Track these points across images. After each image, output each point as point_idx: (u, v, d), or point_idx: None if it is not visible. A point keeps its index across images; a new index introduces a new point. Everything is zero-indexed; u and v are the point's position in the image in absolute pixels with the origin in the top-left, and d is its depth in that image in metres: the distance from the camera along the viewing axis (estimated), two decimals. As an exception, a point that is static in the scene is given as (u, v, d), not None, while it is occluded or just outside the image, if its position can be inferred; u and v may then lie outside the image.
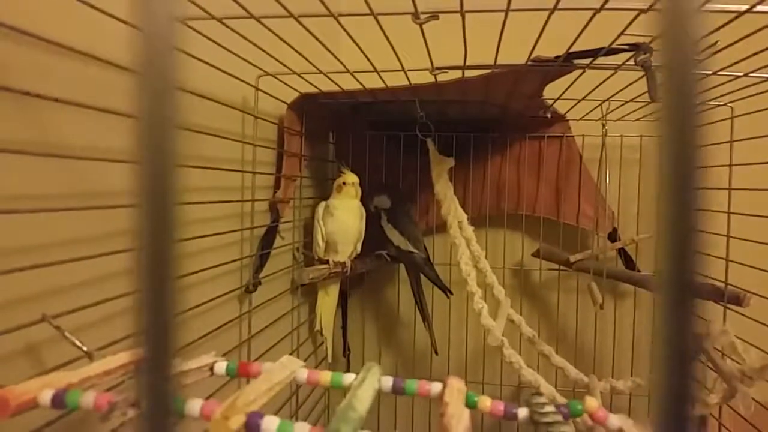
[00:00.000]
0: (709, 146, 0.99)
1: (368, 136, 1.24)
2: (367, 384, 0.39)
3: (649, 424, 0.21)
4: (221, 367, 0.42)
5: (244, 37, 0.67)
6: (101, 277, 0.57)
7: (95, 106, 0.52)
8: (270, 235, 0.93)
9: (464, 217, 1.04)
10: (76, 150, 0.53)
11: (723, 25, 0.59)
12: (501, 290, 1.05)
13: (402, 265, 1.24)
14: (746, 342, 0.85)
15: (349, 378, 0.41)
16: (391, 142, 1.24)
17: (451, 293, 1.11)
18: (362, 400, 0.35)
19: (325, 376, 0.41)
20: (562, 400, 0.99)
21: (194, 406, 0.33)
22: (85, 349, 0.45)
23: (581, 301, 1.24)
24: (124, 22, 0.53)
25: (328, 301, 1.11)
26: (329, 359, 1.14)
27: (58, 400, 0.33)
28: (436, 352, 1.16)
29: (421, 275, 1.14)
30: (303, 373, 0.42)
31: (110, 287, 0.57)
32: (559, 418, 0.42)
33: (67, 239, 0.53)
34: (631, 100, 0.96)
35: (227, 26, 0.64)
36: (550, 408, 0.42)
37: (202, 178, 0.74)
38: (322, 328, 1.11)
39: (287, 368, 0.41)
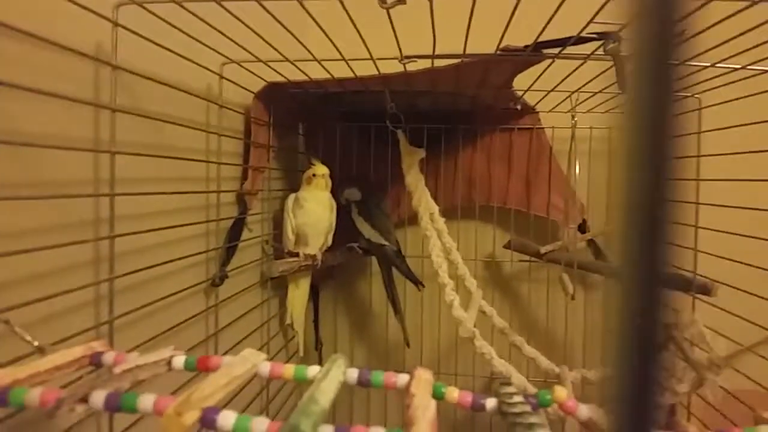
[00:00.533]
0: (678, 137, 1.00)
1: (339, 128, 1.23)
2: (332, 376, 0.38)
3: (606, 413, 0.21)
4: (179, 361, 0.40)
5: (207, 23, 0.65)
6: (55, 270, 0.54)
7: (48, 91, 0.50)
8: (237, 227, 0.92)
9: (435, 208, 1.04)
10: (28, 137, 0.51)
11: (691, 13, 0.58)
12: (472, 282, 1.05)
13: (374, 258, 1.24)
14: (714, 331, 0.86)
15: (313, 371, 0.40)
16: (361, 134, 1.24)
17: (423, 286, 1.11)
18: (325, 392, 0.34)
19: (289, 370, 0.40)
20: (533, 390, 1.00)
21: (147, 401, 0.31)
22: (36, 344, 0.43)
23: (552, 292, 1.25)
24: (80, 6, 0.51)
25: (298, 294, 1.10)
26: (301, 353, 1.13)
27: (0, 398, 0.32)
28: (408, 345, 1.15)
29: (393, 268, 1.14)
30: (265, 367, 0.40)
31: (64, 280, 0.55)
32: (528, 408, 0.41)
33: (17, 230, 0.51)
34: (600, 92, 0.96)
35: (188, 11, 0.62)
36: (518, 398, 0.42)
37: (164, 168, 0.72)
38: (293, 322, 1.10)
39: (248, 362, 0.39)
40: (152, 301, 0.66)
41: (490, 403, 0.41)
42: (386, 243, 1.11)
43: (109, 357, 0.41)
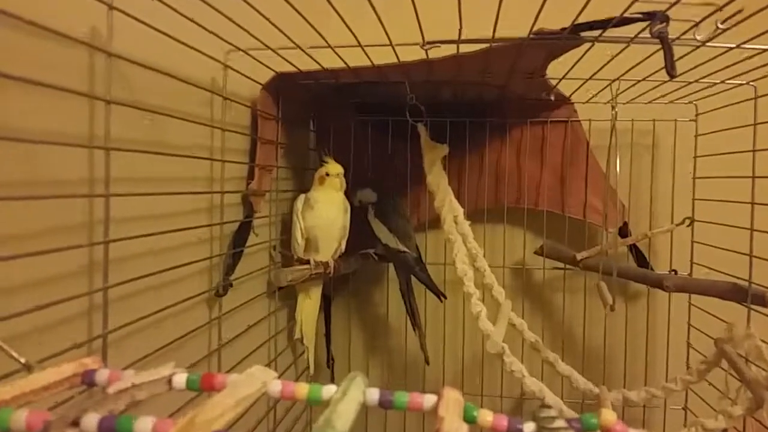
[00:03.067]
0: (730, 130, 0.99)
1: (353, 122, 1.22)
2: (350, 397, 0.36)
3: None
4: (181, 379, 0.39)
5: (211, 5, 0.65)
6: (43, 278, 0.54)
7: (35, 80, 0.50)
8: (243, 231, 0.92)
9: (460, 210, 1.03)
10: (13, 131, 0.51)
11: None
12: (501, 291, 1.04)
13: (391, 266, 1.23)
14: (772, 346, 0.84)
15: (329, 391, 0.39)
16: (378, 129, 1.23)
17: (445, 297, 1.10)
18: (343, 415, 0.33)
19: (302, 389, 0.39)
20: (570, 412, 0.98)
21: (144, 424, 0.30)
22: (22, 360, 0.42)
23: (589, 302, 1.23)
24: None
25: (309, 305, 1.10)
26: (311, 370, 1.12)
27: (-18, 421, 0.31)
28: (427, 362, 1.15)
29: (412, 276, 1.13)
30: (276, 386, 0.39)
31: (54, 290, 0.54)
32: (571, 433, 0.40)
33: (3, 234, 0.50)
34: (644, 79, 0.95)
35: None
36: (560, 423, 0.40)
37: (165, 167, 0.71)
38: (302, 336, 1.09)
39: (257, 380, 0.38)
40: (150, 313, 0.66)
41: (529, 428, 0.40)
42: (405, 249, 1.11)
43: (102, 375, 0.40)
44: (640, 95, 1.08)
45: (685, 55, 0.75)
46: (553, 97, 1.09)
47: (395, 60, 0.82)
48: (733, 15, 0.64)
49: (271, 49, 0.81)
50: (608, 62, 0.86)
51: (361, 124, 1.24)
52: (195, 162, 0.78)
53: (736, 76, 0.91)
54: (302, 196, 1.04)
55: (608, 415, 0.41)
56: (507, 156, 1.22)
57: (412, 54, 0.80)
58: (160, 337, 0.69)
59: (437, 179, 1.03)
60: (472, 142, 1.21)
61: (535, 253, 1.20)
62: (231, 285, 0.86)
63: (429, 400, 0.40)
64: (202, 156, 0.80)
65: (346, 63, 0.86)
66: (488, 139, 1.22)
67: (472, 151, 1.22)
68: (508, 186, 1.22)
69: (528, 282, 1.27)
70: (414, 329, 1.16)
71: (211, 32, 0.70)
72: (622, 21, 0.67)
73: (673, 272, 1.13)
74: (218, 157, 0.83)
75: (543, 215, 1.22)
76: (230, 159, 0.87)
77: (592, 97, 1.10)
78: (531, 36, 0.73)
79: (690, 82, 0.96)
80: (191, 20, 0.66)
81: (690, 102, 1.12)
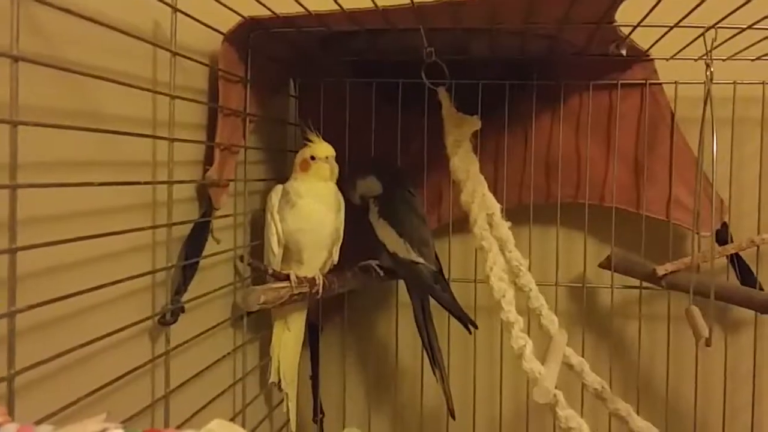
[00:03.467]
0: None
1: (348, 86, 1.22)
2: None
3: None
4: (115, 438, 0.40)
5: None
6: None
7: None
8: (198, 236, 0.92)
9: (496, 208, 1.03)
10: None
11: None
12: (553, 319, 1.03)
13: (401, 284, 1.23)
14: None
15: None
16: (383, 96, 1.23)
17: (475, 327, 1.09)
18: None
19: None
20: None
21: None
22: None
23: (675, 334, 1.22)
24: None
25: (289, 338, 1.10)
26: (292, 427, 1.12)
27: None
28: (453, 416, 1.14)
29: (431, 298, 1.13)
30: (244, 448, 0.39)
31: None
32: None
33: None
34: (751, 27, 0.94)
35: None
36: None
37: (88, 147, 0.71)
38: (280, 380, 1.09)
39: (218, 440, 0.39)
40: (72, 348, 0.65)
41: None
42: (420, 260, 1.11)
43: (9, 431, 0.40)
44: (745, 49, 1.07)
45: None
46: (624, 52, 1.08)
47: (407, 0, 0.82)
48: None
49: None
50: (700, 3, 0.86)
51: (360, 89, 1.23)
52: (132, 141, 0.78)
53: None
54: (279, 188, 1.04)
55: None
56: (561, 133, 1.21)
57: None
58: (86, 380, 0.69)
59: (465, 164, 1.03)
60: (512, 114, 1.21)
61: (600, 266, 1.20)
62: (182, 309, 0.86)
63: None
64: (142, 132, 0.80)
65: (339, 4, 0.86)
66: (535, 109, 1.21)
67: (512, 126, 1.22)
68: (563, 174, 1.22)
69: (590, 306, 1.27)
70: (433, 371, 1.15)
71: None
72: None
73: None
74: (164, 133, 0.83)
75: (611, 214, 1.21)
76: (181, 137, 0.86)
77: (680, 51, 1.10)
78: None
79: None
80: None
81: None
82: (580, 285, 1.26)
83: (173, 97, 0.83)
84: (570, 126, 1.22)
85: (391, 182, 1.13)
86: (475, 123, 1.04)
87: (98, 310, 0.73)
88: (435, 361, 1.15)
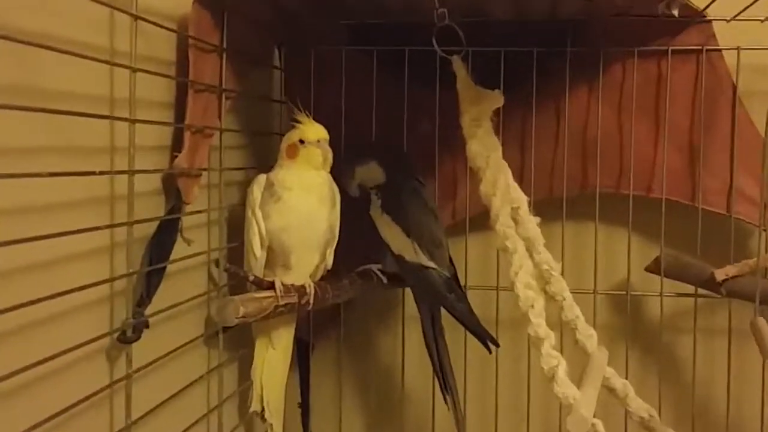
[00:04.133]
0: None
1: (345, 55, 1.22)
2: None
3: None
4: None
5: None
6: None
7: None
8: (165, 236, 0.92)
9: (523, 200, 1.02)
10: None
11: None
12: (591, 334, 1.03)
13: (408, 292, 1.23)
14: None
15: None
16: (387, 67, 1.23)
17: (497, 345, 1.09)
18: None
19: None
20: None
21: None
22: None
23: (738, 350, 1.22)
24: None
25: (274, 358, 1.10)
26: (278, 464, 1.12)
27: None
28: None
29: (443, 310, 1.13)
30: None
31: None
32: None
33: None
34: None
35: None
36: None
37: (33, 130, 0.71)
38: (264, 409, 1.09)
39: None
40: (11, 373, 0.65)
41: None
42: (431, 263, 1.10)
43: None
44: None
45: None
46: (677, 12, 1.07)
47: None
48: None
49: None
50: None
51: (359, 58, 1.23)
52: (85, 123, 0.77)
53: None
54: (262, 179, 1.04)
55: None
56: (600, 110, 1.21)
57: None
58: (30, 411, 0.68)
59: (485, 148, 1.02)
60: (541, 88, 1.21)
61: (647, 269, 1.20)
62: (146, 324, 0.86)
63: None
64: (98, 112, 0.79)
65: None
66: (569, 82, 1.21)
67: (542, 102, 1.22)
68: (603, 160, 1.21)
69: (636, 318, 1.27)
70: (445, 397, 1.15)
71: None
72: None
73: None
74: (123, 113, 0.82)
75: (660, 208, 1.21)
76: (144, 117, 0.86)
77: (743, 10, 1.09)
78: None
79: None
80: None
81: None
82: (624, 292, 1.25)
83: (134, 70, 0.83)
84: (611, 102, 1.21)
85: (397, 170, 1.13)
86: (496, 99, 1.03)
87: (44, 327, 0.72)
88: (447, 386, 1.15)
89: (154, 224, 0.91)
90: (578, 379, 0.93)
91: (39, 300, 0.68)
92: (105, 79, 0.82)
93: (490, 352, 1.11)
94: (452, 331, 1.16)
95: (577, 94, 1.22)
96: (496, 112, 1.04)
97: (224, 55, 1.00)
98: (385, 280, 1.15)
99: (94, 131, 0.80)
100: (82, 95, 0.78)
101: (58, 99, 0.74)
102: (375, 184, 1.13)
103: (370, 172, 1.13)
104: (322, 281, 1.07)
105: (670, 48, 1.18)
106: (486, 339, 1.08)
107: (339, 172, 1.08)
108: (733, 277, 1.12)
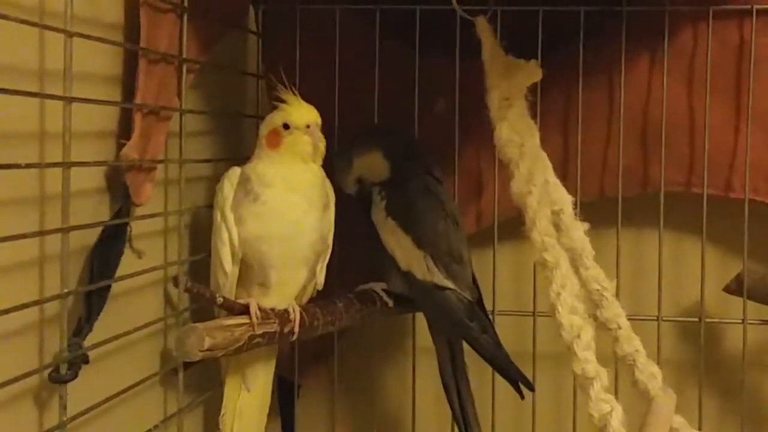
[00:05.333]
0: None
1: (339, 16, 1.22)
2: None
3: None
4: None
5: None
6: None
7: None
8: (110, 247, 0.92)
9: (566, 201, 1.03)
10: None
11: None
12: (654, 372, 1.03)
13: (421, 319, 1.23)
14: None
15: None
16: (392, 30, 1.23)
17: (531, 388, 1.09)
18: None
19: None
20: None
21: None
22: None
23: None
24: None
25: (249, 402, 1.09)
26: None
27: None
28: None
29: (465, 344, 1.13)
30: None
31: None
32: None
33: None
34: None
35: None
36: None
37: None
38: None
39: None
40: None
41: None
42: (448, 283, 1.10)
43: None
44: None
45: None
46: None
47: None
48: None
49: None
50: None
51: (357, 21, 1.24)
52: (8, 101, 0.76)
53: None
54: (235, 173, 1.03)
55: None
56: (665, 86, 1.21)
57: None
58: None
59: (518, 135, 1.03)
60: (590, 59, 1.21)
61: (726, 290, 1.20)
62: (85, 359, 0.85)
63: None
64: (24, 88, 0.79)
65: None
66: (625, 51, 1.21)
67: (590, 76, 1.22)
68: (669, 150, 1.21)
69: (712, 351, 1.27)
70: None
71: None
72: None
73: None
74: (57, 90, 0.82)
75: (742, 211, 1.21)
76: (82, 94, 0.85)
77: None
78: None
79: None
80: None
81: None
82: (696, 320, 1.25)
83: (70, 35, 0.82)
84: (679, 75, 1.22)
85: (405, 162, 1.13)
86: (533, 71, 1.03)
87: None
88: (470, 437, 1.15)
89: (96, 232, 0.91)
90: (638, 429, 0.93)
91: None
92: (33, 47, 0.82)
93: (523, 398, 1.10)
94: (477, 367, 1.16)
95: (635, 65, 1.22)
96: (533, 88, 1.04)
97: (184, 16, 1.00)
98: (390, 303, 1.14)
99: (18, 113, 0.80)
100: (4, 67, 0.78)
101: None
102: (378, 180, 1.13)
103: (372, 165, 1.13)
104: (310, 305, 1.07)
105: (754, 6, 1.18)
106: (518, 380, 1.07)
107: (332, 165, 1.08)
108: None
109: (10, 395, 0.78)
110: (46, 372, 0.82)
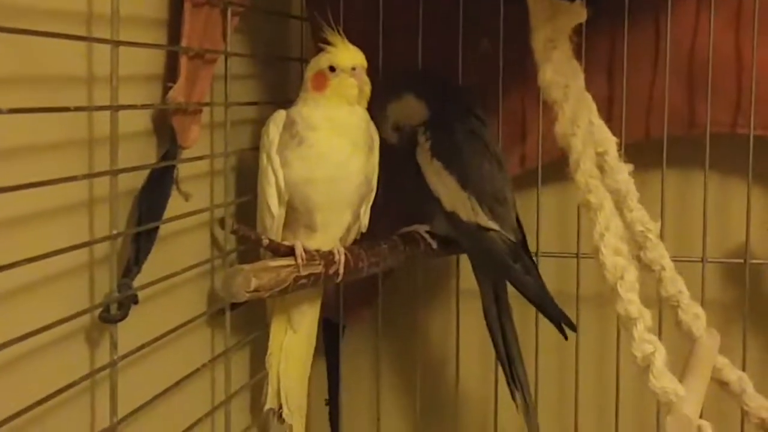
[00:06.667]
0: None
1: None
2: None
3: None
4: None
5: None
6: None
7: None
8: (157, 190, 0.92)
9: (611, 142, 1.02)
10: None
11: None
12: (698, 313, 1.03)
13: (464, 261, 1.23)
14: None
15: None
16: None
17: (574, 329, 1.09)
18: None
19: None
20: None
21: None
22: None
23: None
24: None
25: (295, 342, 1.10)
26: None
27: None
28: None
29: (509, 285, 1.13)
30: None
31: None
32: None
33: None
34: None
35: None
36: None
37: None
38: (281, 406, 1.09)
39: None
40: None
41: None
42: (493, 224, 1.10)
43: None
44: None
45: None
46: None
47: None
48: None
49: None
50: None
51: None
52: (54, 45, 0.77)
53: None
54: (281, 116, 1.04)
55: None
56: (712, 24, 1.19)
57: None
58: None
59: (562, 76, 1.02)
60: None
61: (771, 230, 1.19)
62: (135, 299, 0.86)
63: None
64: (70, 32, 0.79)
65: None
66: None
67: (635, 15, 1.21)
68: (716, 90, 1.20)
69: (756, 293, 1.26)
70: (513, 394, 1.16)
71: None
72: None
73: None
74: (103, 33, 0.82)
75: (789, 151, 1.20)
76: (128, 38, 0.85)
77: None
78: None
79: None
80: None
81: None
82: (741, 260, 1.24)
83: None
84: (726, 12, 1.20)
85: (444, 102, 1.13)
86: (577, 12, 1.02)
87: (7, 302, 0.73)
88: (515, 380, 1.15)
89: (144, 174, 0.91)
90: (681, 370, 0.93)
91: (6, 267, 0.69)
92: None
93: (566, 338, 1.11)
94: (521, 309, 1.16)
95: (682, 3, 1.20)
96: (577, 29, 1.03)
97: (229, -41, 1.00)
98: (434, 245, 1.15)
99: (66, 56, 0.80)
100: (50, 11, 0.78)
101: (16, 16, 0.73)
102: (418, 123, 1.13)
103: (408, 108, 1.13)
104: (354, 246, 1.07)
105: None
106: (561, 321, 1.08)
107: (370, 110, 1.07)
108: None
109: (63, 335, 0.79)
110: (97, 312, 0.84)
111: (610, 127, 1.03)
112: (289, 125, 1.02)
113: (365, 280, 1.17)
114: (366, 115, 1.04)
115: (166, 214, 0.93)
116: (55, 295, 0.79)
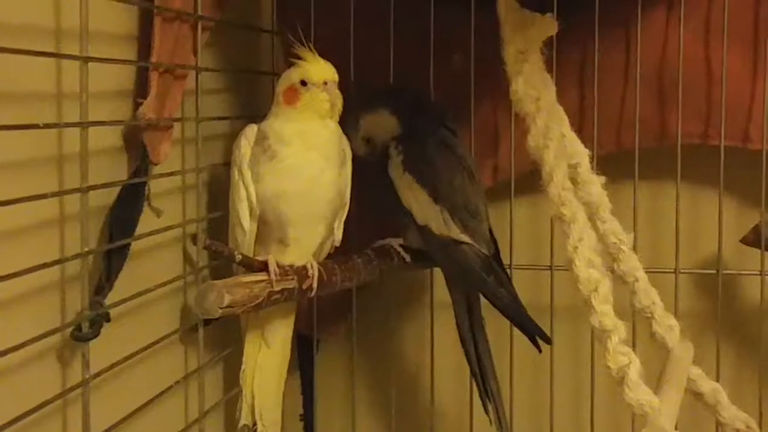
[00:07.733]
0: None
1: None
2: None
3: None
4: None
5: None
6: None
7: None
8: (129, 206, 0.92)
9: (583, 155, 1.03)
10: None
11: None
12: (671, 324, 1.03)
13: (438, 273, 1.23)
14: None
15: None
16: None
17: (548, 341, 1.09)
18: None
19: None
20: None
21: None
22: None
23: None
24: None
25: (269, 358, 1.10)
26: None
27: None
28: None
29: (482, 298, 1.13)
30: None
31: None
32: None
33: None
34: None
35: None
36: None
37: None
38: (257, 421, 1.09)
39: None
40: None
41: None
42: (465, 237, 1.10)
43: None
44: None
45: None
46: None
47: None
48: None
49: None
50: None
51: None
52: (23, 62, 0.76)
53: None
54: (252, 131, 1.04)
55: None
56: (681, 36, 1.20)
57: None
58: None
59: (534, 89, 1.02)
60: (607, 9, 1.19)
61: (744, 242, 1.19)
62: (107, 317, 0.86)
63: None
64: (40, 49, 0.79)
65: None
66: (641, 1, 1.20)
67: (606, 27, 1.21)
68: (686, 101, 1.20)
69: (729, 304, 1.27)
70: (485, 407, 1.16)
71: None
72: None
73: None
74: (73, 49, 0.82)
75: (760, 162, 1.20)
76: (98, 54, 0.85)
77: None
78: None
79: None
80: None
81: None
82: (714, 272, 1.25)
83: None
84: (696, 24, 1.21)
85: (416, 116, 1.13)
86: (548, 25, 1.03)
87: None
88: (489, 393, 1.15)
89: (115, 191, 0.91)
90: (655, 381, 0.93)
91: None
92: (49, 7, 0.81)
93: (541, 351, 1.10)
94: (495, 323, 1.16)
95: (652, 15, 1.21)
96: (548, 41, 1.04)
97: (200, -28, 1.00)
98: (407, 259, 1.15)
99: (34, 73, 0.80)
100: (18, 27, 0.78)
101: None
102: (390, 137, 1.13)
103: (380, 123, 1.13)
104: (328, 261, 1.07)
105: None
106: (535, 333, 1.07)
107: (348, 123, 1.08)
108: None
109: (34, 354, 0.79)
110: (69, 330, 0.83)
111: (582, 139, 1.03)
112: (260, 139, 1.02)
113: (339, 294, 1.18)
114: (338, 129, 1.04)
115: (138, 231, 0.93)
116: (26, 314, 0.79)
